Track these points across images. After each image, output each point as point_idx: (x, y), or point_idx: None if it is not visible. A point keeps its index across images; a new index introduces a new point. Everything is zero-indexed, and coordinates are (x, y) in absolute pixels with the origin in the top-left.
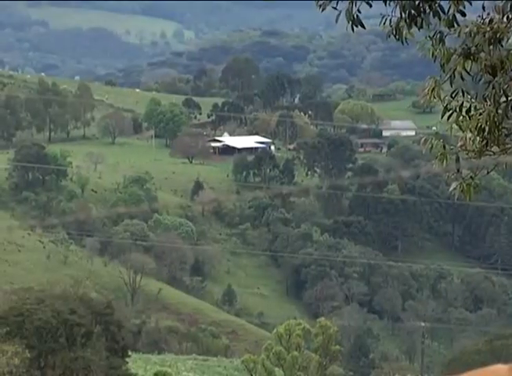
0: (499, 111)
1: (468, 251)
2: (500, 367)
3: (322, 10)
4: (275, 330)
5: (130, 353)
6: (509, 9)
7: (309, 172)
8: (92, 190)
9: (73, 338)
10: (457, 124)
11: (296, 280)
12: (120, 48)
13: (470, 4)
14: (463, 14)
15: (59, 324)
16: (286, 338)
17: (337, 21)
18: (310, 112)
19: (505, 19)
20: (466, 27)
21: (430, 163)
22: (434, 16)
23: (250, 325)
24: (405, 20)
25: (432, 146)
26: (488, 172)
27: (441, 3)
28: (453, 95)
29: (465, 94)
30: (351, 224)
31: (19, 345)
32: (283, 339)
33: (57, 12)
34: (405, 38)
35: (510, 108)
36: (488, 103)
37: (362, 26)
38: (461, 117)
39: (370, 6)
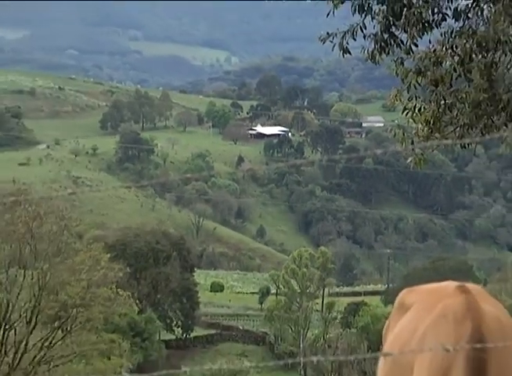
0: (440, 110)
1: (418, 202)
2: (450, 284)
3: (323, 43)
4: (291, 255)
5: (195, 270)
6: (446, 42)
7: (313, 150)
8: (171, 162)
9: (158, 260)
10: (412, 119)
11: (305, 221)
12: (189, 68)
13: (421, 38)
14: (416, 45)
15: (148, 250)
16: (298, 260)
17: (333, 50)
18: (314, 111)
19: (443, 49)
20: (418, 54)
21: (394, 144)
22: (396, 47)
23: (275, 251)
24: (378, 49)
25: (395, 133)
26: (432, 150)
27: (402, 38)
28: (409, 99)
29: (417, 98)
30: (341, 185)
31: (122, 264)
32: (296, 260)
33: (147, 45)
34: (378, 62)
35: (447, 108)
36: (433, 105)
37: (349, 53)
38: (414, 114)
39: (355, 40)
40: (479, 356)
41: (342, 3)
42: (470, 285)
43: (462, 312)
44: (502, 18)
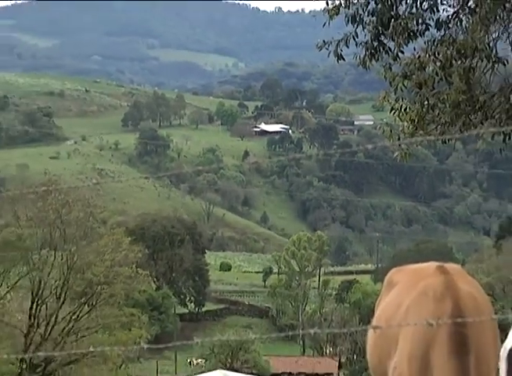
0: (423, 110)
1: (404, 192)
2: (432, 264)
3: (320, 50)
4: (291, 238)
5: (206, 251)
6: (429, 49)
7: (311, 146)
8: (184, 156)
9: (173, 242)
10: (399, 118)
11: (303, 209)
12: (201, 73)
13: (407, 46)
14: (402, 52)
15: (164, 234)
16: (298, 243)
17: (328, 56)
18: (312, 110)
19: (427, 55)
20: (404, 60)
21: (383, 140)
22: (385, 54)
23: (277, 235)
24: (368, 56)
25: (384, 131)
26: (416, 146)
27: (389, 45)
28: (396, 100)
29: (403, 99)
30: (336, 176)
31: (141, 246)
32: (296, 243)
33: (164, 52)
34: (368, 67)
35: (430, 108)
36: (417, 105)
37: (343, 59)
38: (401, 113)
39: (348, 47)
40: (460, 331)
41: (337, 15)
42: (449, 265)
43: (441, 291)
44: (479, 28)
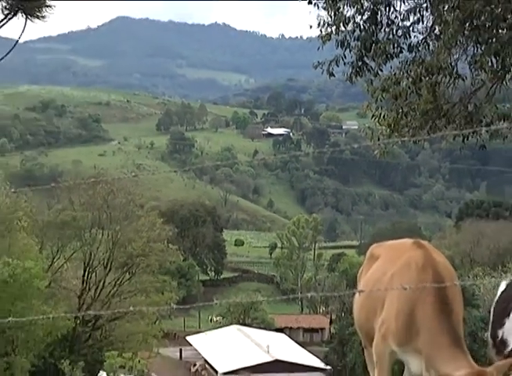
0: (398, 117)
1: (382, 182)
2: (407, 240)
3: (315, 69)
4: (291, 220)
5: (223, 230)
6: (403, 68)
7: (308, 145)
8: (206, 153)
9: (197, 223)
10: (378, 123)
11: (302, 196)
12: (219, 87)
13: (385, 65)
14: (382, 70)
15: (190, 216)
16: (297, 223)
17: (322, 74)
18: (308, 117)
19: (401, 73)
20: (383, 76)
21: (366, 141)
22: (367, 72)
23: (281, 217)
24: (354, 73)
25: (366, 133)
26: (392, 145)
27: (371, 65)
28: (376, 109)
29: (382, 108)
30: (328, 170)
31: (171, 226)
32: (295, 224)
33: (190, 70)
34: (354, 82)
35: (403, 115)
36: (393, 113)
37: (334, 76)
38: (380, 119)
39: (338, 66)
40: (443, 293)
41: (328, 40)
42: (422, 241)
43: (422, 262)
44: (443, 51)
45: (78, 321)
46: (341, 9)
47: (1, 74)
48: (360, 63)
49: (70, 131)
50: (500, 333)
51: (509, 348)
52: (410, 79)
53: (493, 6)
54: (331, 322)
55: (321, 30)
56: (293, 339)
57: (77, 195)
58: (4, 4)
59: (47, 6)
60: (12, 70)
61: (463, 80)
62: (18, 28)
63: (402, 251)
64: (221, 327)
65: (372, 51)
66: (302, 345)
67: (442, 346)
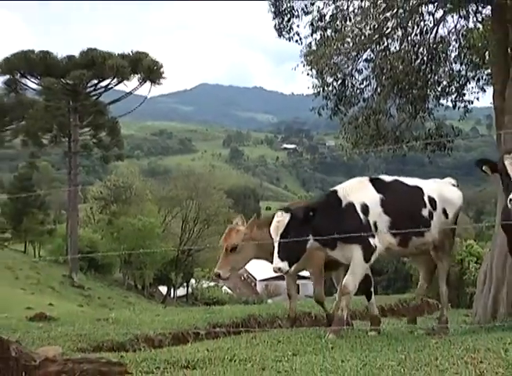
0: (357, 138)
1: (348, 174)
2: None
3: (311, 111)
4: (297, 195)
5: (260, 201)
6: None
7: (307, 154)
8: (249, 159)
9: (245, 197)
10: (346, 141)
11: (302, 182)
12: (258, 122)
13: (350, 109)
14: (347, 112)
15: (241, 193)
16: (300, 198)
17: (315, 113)
18: (307, 138)
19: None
20: (349, 115)
21: (339, 151)
22: (340, 113)
23: (290, 194)
24: (333, 114)
25: (339, 147)
26: (366, 153)
27: (342, 109)
28: (345, 134)
29: (348, 133)
30: (317, 168)
31: (230, 199)
32: (299, 198)
33: (242, 114)
34: (332, 118)
35: (360, 137)
36: (354, 136)
37: (321, 115)
38: (347, 139)
39: (323, 110)
40: None
41: (318, 95)
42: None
43: None
44: (382, 101)
45: (179, 251)
46: (325, 78)
47: (137, 114)
48: (336, 108)
49: (176, 147)
50: None
51: None
52: (364, 117)
53: (410, 77)
54: None
55: (314, 90)
56: None
57: (179, 182)
58: (142, 75)
59: (163, 78)
60: (140, 112)
61: (393, 117)
62: (144, 88)
63: None
64: None
65: (342, 101)
66: None
67: None
